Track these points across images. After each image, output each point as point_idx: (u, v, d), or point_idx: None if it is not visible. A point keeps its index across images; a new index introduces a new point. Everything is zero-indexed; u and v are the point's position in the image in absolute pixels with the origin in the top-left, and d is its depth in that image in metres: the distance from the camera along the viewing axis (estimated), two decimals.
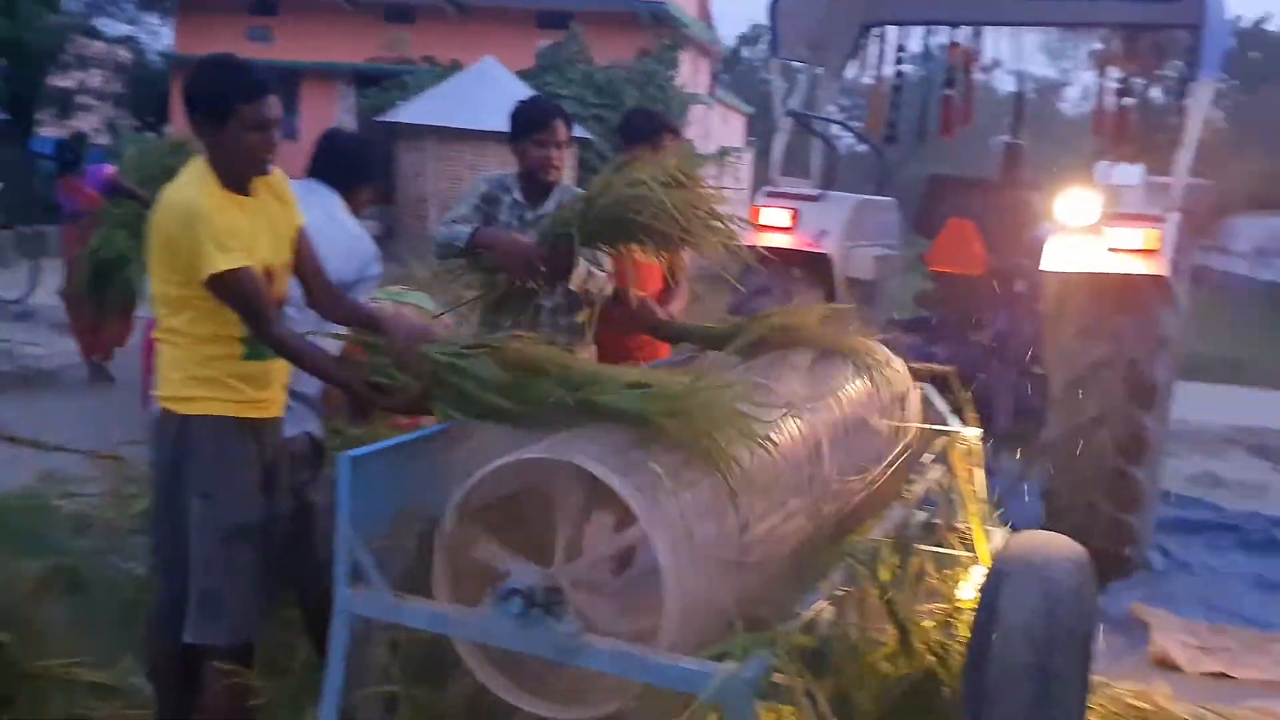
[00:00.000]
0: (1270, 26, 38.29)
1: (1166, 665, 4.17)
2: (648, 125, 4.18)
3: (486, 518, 2.25)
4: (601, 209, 3.07)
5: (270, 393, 2.71)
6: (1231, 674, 4.13)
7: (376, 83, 19.86)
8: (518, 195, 3.66)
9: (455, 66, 18.93)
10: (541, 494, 2.50)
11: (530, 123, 3.62)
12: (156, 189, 2.73)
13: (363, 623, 2.36)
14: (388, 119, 17.86)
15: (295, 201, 2.77)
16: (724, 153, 19.78)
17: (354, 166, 3.44)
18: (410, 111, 17.53)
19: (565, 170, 3.76)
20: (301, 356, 2.65)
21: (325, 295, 2.82)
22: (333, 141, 3.51)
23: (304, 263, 2.78)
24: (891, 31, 6.40)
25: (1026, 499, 5.02)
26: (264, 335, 2.58)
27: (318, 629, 2.64)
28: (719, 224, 3.06)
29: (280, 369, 2.72)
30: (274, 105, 2.60)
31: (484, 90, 16.31)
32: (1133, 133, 6.02)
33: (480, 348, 2.50)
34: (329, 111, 20.14)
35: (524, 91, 15.90)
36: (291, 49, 20.28)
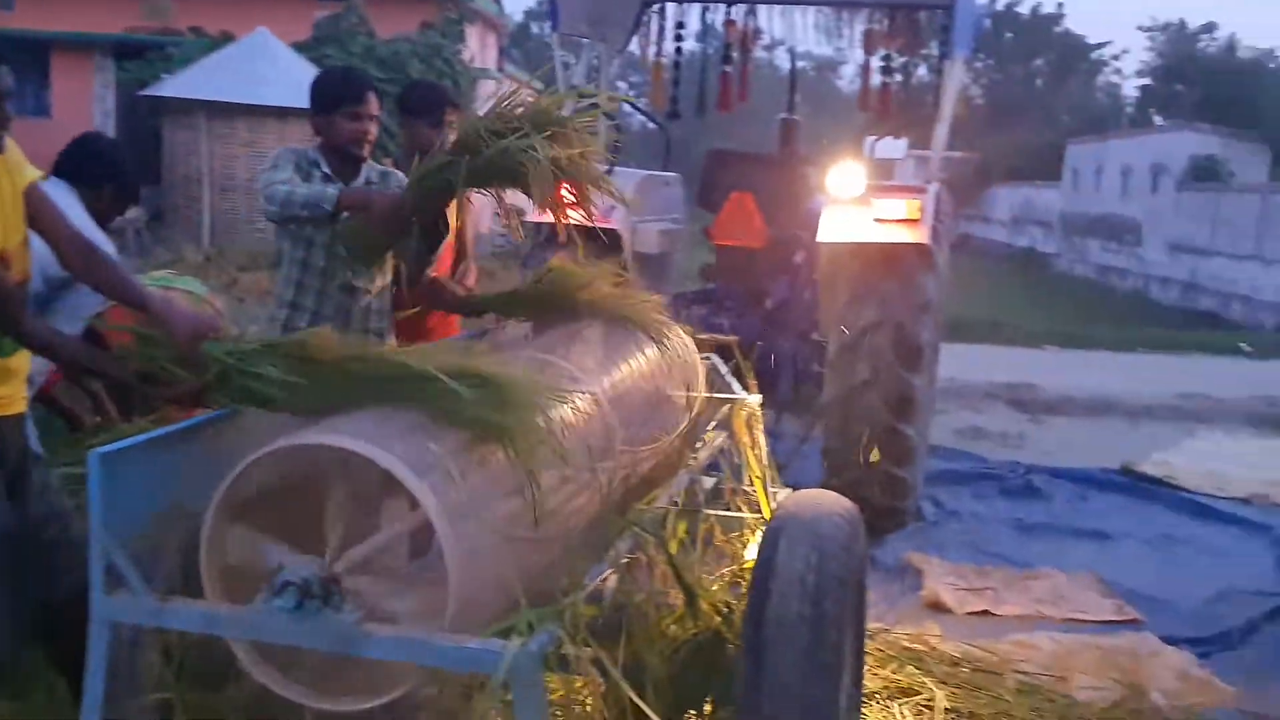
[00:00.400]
0: (1021, 9, 41.20)
1: (938, 608, 4.46)
2: (428, 100, 4.07)
3: (260, 509, 2.16)
4: (487, 160, 2.87)
5: (9, 389, 2.49)
6: (995, 612, 4.47)
7: (139, 55, 18.53)
8: (326, 170, 3.48)
9: (226, 38, 17.90)
10: (320, 482, 2.42)
11: (342, 95, 3.43)
12: None
13: (129, 629, 2.23)
14: (152, 93, 16.73)
15: (22, 163, 2.53)
16: None
17: (104, 172, 3.25)
18: (178, 85, 16.45)
19: None
20: (55, 350, 2.45)
21: (77, 254, 2.54)
22: (85, 144, 3.35)
23: (46, 222, 2.52)
24: (671, 8, 6.51)
25: (807, 459, 5.25)
26: (11, 330, 2.38)
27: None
28: (594, 169, 2.99)
29: (20, 363, 2.51)
30: (4, 76, 2.38)
31: (258, 63, 15.49)
32: (896, 109, 6.35)
33: (274, 347, 2.37)
34: (85, 85, 18.65)
35: (301, 64, 15.22)
36: (36, 17, 18.60)
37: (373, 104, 3.47)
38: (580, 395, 2.64)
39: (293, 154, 3.46)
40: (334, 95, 3.43)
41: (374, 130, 3.48)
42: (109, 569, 2.01)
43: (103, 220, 3.29)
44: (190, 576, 2.14)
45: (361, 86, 3.48)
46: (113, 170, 3.31)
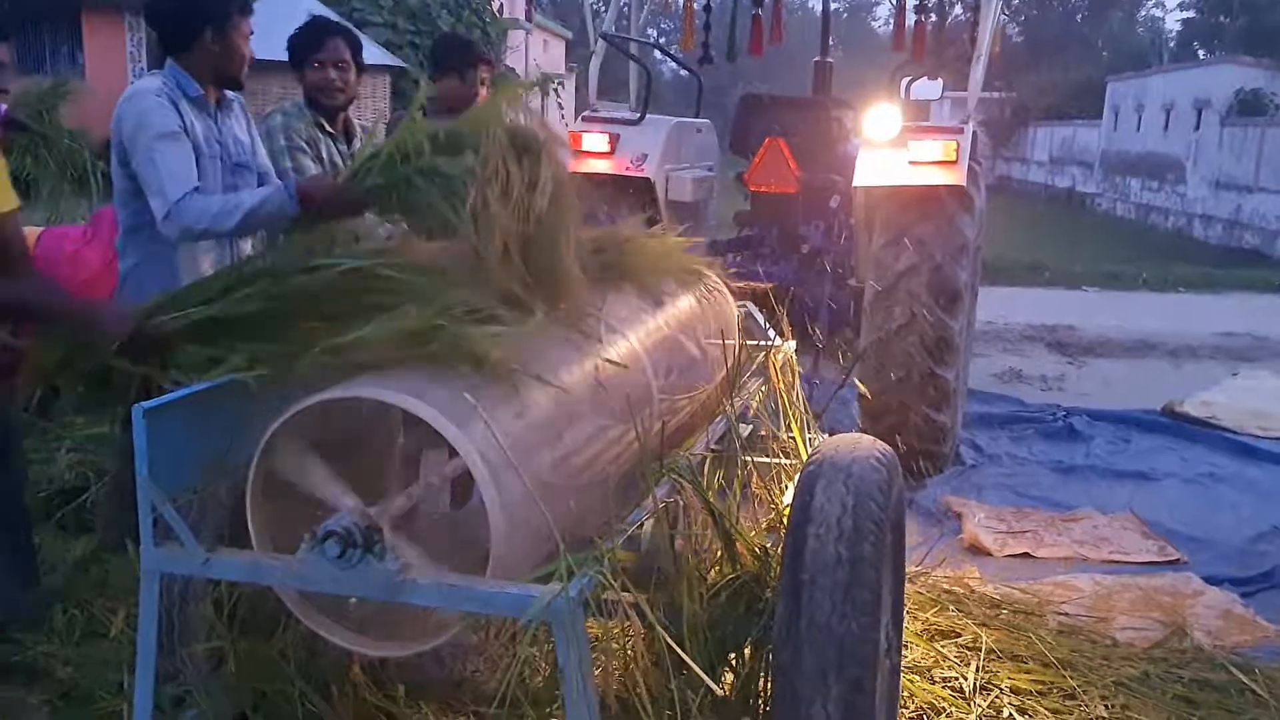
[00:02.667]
0: None
1: (978, 551, 4.46)
2: (458, 55, 4.05)
3: (308, 457, 2.19)
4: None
5: None
6: (1035, 554, 4.45)
7: None
8: (330, 127, 3.50)
9: None
10: (363, 431, 2.46)
11: (305, 46, 3.48)
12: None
13: (180, 580, 2.28)
14: None
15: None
16: (545, 79, 19.50)
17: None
18: None
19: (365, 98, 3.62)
20: None
21: None
22: None
23: None
24: None
25: (845, 405, 5.24)
26: None
27: None
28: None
29: None
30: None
31: (287, 18, 15.45)
32: (931, 48, 6.23)
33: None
34: (117, 46, 18.73)
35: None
36: None
37: (337, 49, 3.47)
38: (617, 343, 2.65)
39: (287, 124, 3.43)
40: (299, 48, 3.49)
41: (343, 78, 3.48)
42: (156, 521, 2.05)
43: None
44: (236, 528, 2.19)
45: (322, 34, 3.49)
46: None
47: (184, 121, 2.88)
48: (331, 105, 3.48)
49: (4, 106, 9.70)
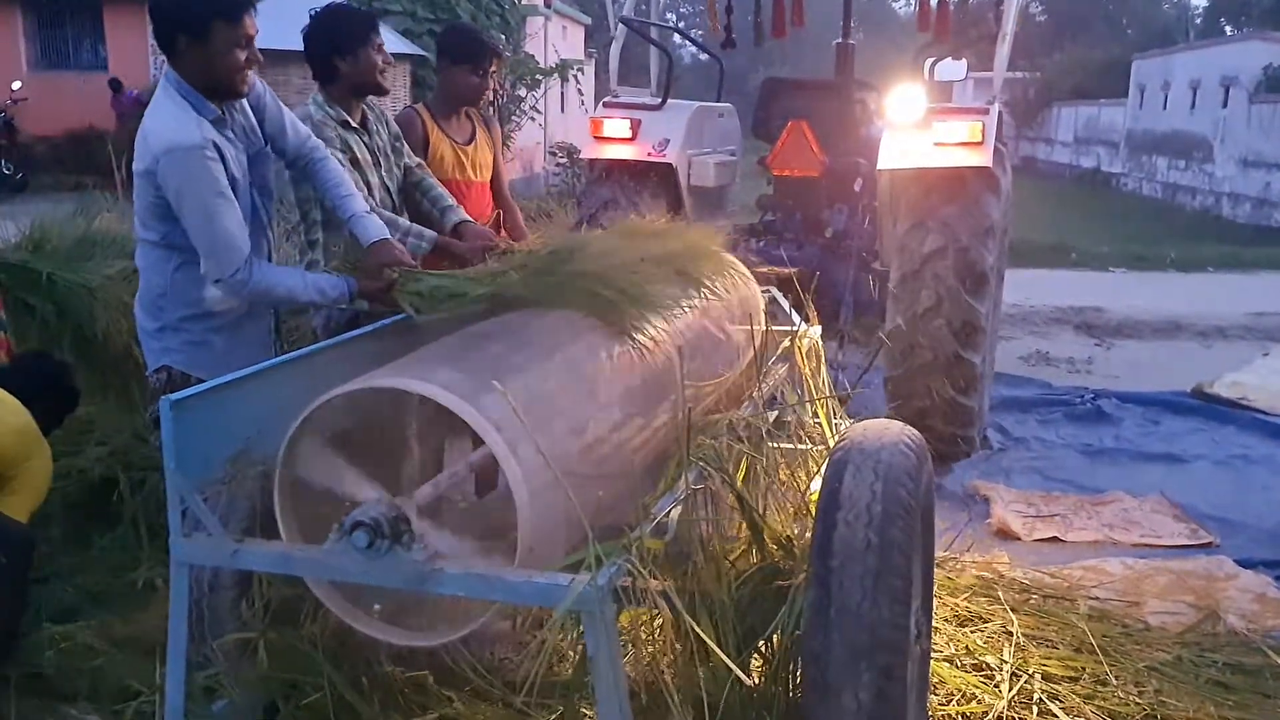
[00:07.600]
0: None
1: (1006, 535, 4.43)
2: (471, 47, 4.00)
3: (332, 449, 2.20)
4: None
5: None
6: (1064, 538, 4.42)
7: None
8: (352, 120, 3.48)
9: None
10: (390, 421, 2.46)
11: (367, 36, 3.47)
12: None
13: (209, 571, 2.29)
14: None
15: None
16: (564, 65, 19.42)
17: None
18: None
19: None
20: None
21: None
22: None
23: None
24: None
25: (871, 389, 5.20)
26: None
27: None
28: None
29: None
30: None
31: (308, 7, 15.50)
32: (954, 28, 6.15)
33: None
34: (139, 38, 18.80)
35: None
36: None
37: (380, 33, 3.60)
38: (643, 330, 2.63)
39: (320, 124, 3.40)
40: (348, 35, 3.53)
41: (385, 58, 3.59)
42: (185, 513, 2.06)
43: None
44: (265, 518, 2.20)
45: (372, 17, 3.67)
46: None
47: (224, 161, 2.73)
48: (383, 89, 3.49)
49: (135, 91, 14.78)
